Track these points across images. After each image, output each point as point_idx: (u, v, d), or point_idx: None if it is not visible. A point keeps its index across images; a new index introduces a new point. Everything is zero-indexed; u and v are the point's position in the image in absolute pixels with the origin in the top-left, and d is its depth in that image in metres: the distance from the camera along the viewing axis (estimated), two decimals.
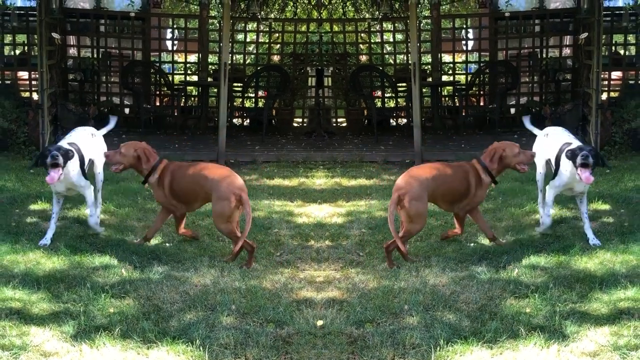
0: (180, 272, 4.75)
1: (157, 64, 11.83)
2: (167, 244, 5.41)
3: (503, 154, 5.21)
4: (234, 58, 12.02)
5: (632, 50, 10.29)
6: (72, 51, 11.35)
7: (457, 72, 12.17)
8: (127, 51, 11.59)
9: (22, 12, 10.27)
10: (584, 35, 9.76)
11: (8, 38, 10.42)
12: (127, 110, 11.44)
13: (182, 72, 12.27)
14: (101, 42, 11.31)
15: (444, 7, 12.14)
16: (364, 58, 12.20)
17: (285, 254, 5.23)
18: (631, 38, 10.27)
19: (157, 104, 11.76)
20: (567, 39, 11.24)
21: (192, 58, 12.61)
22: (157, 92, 11.75)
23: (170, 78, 11.98)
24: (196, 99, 12.04)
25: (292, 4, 12.41)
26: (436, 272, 4.74)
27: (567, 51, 11.24)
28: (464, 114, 11.26)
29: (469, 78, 11.86)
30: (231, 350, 3.64)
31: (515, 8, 11.22)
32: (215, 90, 11.41)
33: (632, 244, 5.21)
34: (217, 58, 11.74)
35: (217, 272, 4.75)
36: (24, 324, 3.84)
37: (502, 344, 3.64)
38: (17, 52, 10.61)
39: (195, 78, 12.17)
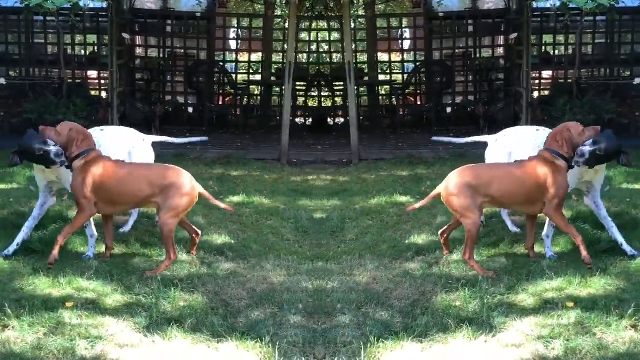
0: (246, 270, 4.77)
1: (221, 64, 12.00)
2: (233, 241, 5.46)
3: (569, 135, 4.76)
4: (298, 57, 12.08)
5: (562, 50, 10.63)
6: (140, 51, 11.64)
7: (394, 71, 12.26)
8: (192, 51, 11.81)
9: (92, 12, 10.59)
10: (514, 35, 10.04)
11: (78, 38, 10.76)
12: (190, 110, 11.66)
13: (246, 71, 12.41)
14: (167, 42, 11.55)
15: (379, 6, 12.10)
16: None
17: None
18: (561, 38, 10.58)
19: (220, 103, 11.93)
20: (500, 39, 11.41)
21: (256, 57, 12.74)
22: (221, 92, 11.92)
23: (234, 77, 12.14)
24: (259, 98, 12.15)
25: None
26: (370, 270, 4.74)
27: (499, 51, 11.45)
28: (401, 113, 11.41)
29: (405, 77, 11.97)
30: (300, 348, 3.64)
31: (448, 8, 11.32)
32: (278, 89, 11.50)
33: (557, 236, 5.20)
34: (280, 57, 11.82)
35: (283, 271, 4.76)
36: (99, 314, 3.93)
37: (432, 338, 3.67)
38: (87, 52, 10.95)
39: (258, 77, 12.29)
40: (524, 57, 9.51)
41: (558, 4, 9.04)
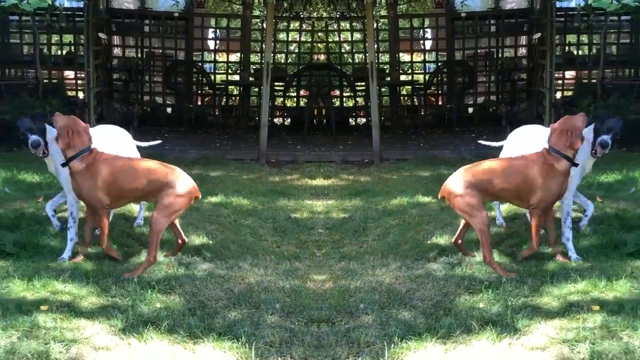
0: (224, 270, 4.77)
1: (200, 64, 11.96)
2: (210, 242, 5.45)
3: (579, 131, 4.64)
4: (276, 57, 12.08)
5: (585, 50, 10.52)
6: (117, 51, 11.56)
7: (415, 71, 12.27)
8: (170, 51, 11.76)
9: (69, 12, 10.50)
10: (537, 35, 9.96)
11: (55, 38, 10.66)
12: (169, 110, 11.62)
13: (224, 71, 12.38)
14: (145, 42, 11.48)
15: (401, 6, 12.14)
16: (322, 57, 12.18)
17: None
18: (584, 38, 10.50)
19: (199, 103, 11.89)
20: (522, 39, 11.39)
21: (234, 57, 12.72)
22: (199, 92, 11.88)
23: (212, 77, 12.10)
24: (237, 98, 12.13)
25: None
26: (393, 270, 4.76)
27: (522, 51, 11.40)
28: (422, 113, 11.43)
29: (427, 77, 11.96)
30: (276, 348, 3.65)
31: (471, 8, 11.32)
32: (257, 89, 11.49)
33: (580, 239, 5.21)
34: (258, 57, 11.81)
35: (260, 271, 4.77)
36: (74, 317, 3.91)
37: (455, 339, 3.66)
38: (64, 51, 10.86)
39: (236, 77, 12.27)
40: (547, 57, 9.40)
41: (582, 3, 8.97)
